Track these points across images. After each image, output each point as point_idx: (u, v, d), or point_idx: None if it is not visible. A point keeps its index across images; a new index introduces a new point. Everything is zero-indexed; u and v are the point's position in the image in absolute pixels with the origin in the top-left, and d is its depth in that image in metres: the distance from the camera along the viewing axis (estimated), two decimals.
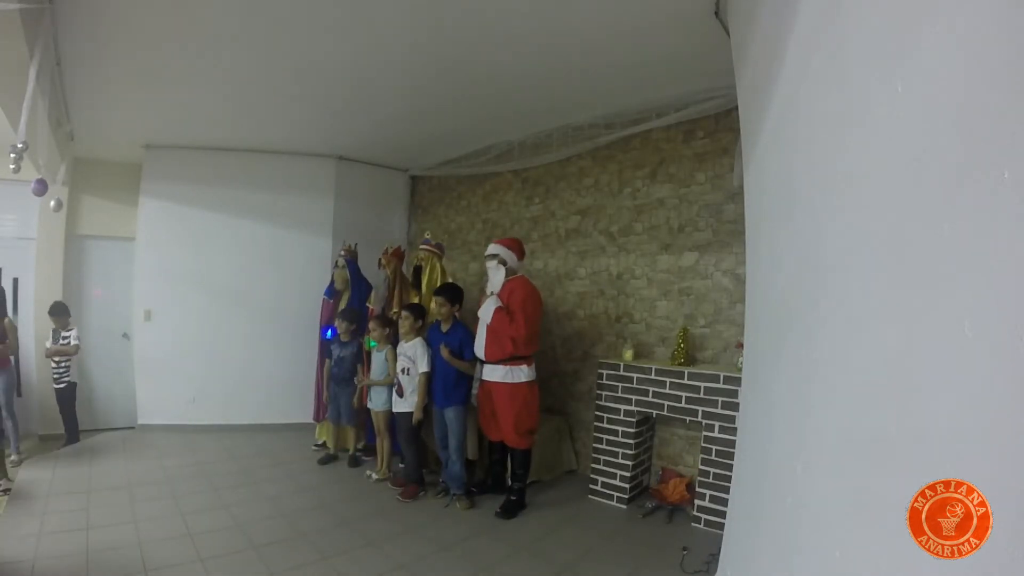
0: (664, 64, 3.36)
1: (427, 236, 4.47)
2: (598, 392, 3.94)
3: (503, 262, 3.71)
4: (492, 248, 3.78)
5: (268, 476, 4.17)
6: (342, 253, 4.95)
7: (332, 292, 4.98)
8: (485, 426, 3.85)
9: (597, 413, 3.95)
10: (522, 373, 3.61)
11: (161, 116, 4.49)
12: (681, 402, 3.50)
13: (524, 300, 3.60)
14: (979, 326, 0.92)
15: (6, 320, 4.46)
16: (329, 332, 4.77)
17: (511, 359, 3.59)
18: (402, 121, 4.64)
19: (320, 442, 4.94)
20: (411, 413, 3.82)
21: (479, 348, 3.71)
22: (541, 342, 4.67)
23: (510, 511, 3.58)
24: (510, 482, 3.74)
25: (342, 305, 4.88)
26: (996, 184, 0.90)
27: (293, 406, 5.39)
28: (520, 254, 3.84)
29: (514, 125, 4.73)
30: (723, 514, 2.64)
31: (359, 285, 4.88)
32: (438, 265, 4.33)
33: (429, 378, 3.79)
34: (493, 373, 3.65)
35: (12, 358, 4.43)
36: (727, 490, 2.71)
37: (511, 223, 5.19)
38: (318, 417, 5.02)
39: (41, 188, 3.26)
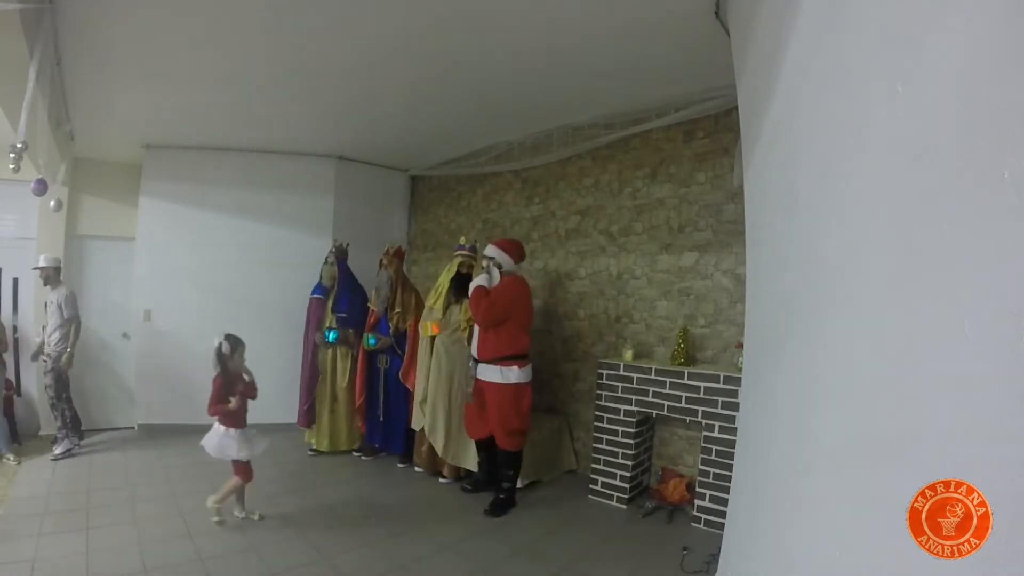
0: (664, 64, 3.36)
1: (462, 242, 4.21)
2: (598, 392, 3.94)
3: (498, 265, 3.74)
4: (487, 250, 3.81)
5: (267, 476, 4.16)
6: (332, 250, 4.94)
7: (323, 290, 4.93)
8: (468, 424, 3.88)
9: (597, 413, 3.95)
10: (512, 374, 3.62)
11: (161, 116, 4.49)
12: (681, 402, 3.49)
13: (503, 290, 3.64)
14: (979, 326, 0.92)
15: None
16: (331, 335, 4.72)
17: (502, 359, 3.62)
18: (402, 121, 4.64)
19: (314, 447, 4.85)
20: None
21: (473, 347, 3.76)
22: (541, 342, 4.69)
23: (498, 510, 3.59)
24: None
25: (330, 303, 4.82)
26: (996, 184, 0.90)
27: (293, 406, 5.38)
28: (517, 256, 3.84)
29: (514, 125, 4.72)
30: (723, 514, 2.64)
31: (348, 284, 4.84)
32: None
33: None
34: (486, 372, 3.69)
35: (5, 358, 4.43)
36: (727, 490, 2.71)
37: (511, 223, 5.19)
38: (304, 422, 4.88)
39: (41, 188, 3.26)
